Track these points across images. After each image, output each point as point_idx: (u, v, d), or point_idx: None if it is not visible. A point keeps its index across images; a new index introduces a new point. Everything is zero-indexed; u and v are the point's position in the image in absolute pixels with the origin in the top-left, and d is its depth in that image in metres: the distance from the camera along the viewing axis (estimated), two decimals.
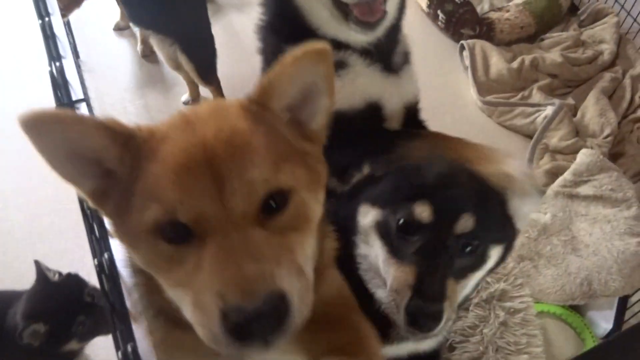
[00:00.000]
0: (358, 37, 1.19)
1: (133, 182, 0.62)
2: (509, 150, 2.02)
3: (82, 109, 1.12)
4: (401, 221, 0.85)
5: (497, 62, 2.34)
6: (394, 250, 0.86)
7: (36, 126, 0.58)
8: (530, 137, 2.12)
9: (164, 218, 0.59)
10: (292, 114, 0.70)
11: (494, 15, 2.52)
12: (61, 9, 1.58)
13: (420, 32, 2.66)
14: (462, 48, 2.45)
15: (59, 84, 1.15)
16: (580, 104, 2.23)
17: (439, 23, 2.60)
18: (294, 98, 0.69)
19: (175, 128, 0.64)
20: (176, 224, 0.59)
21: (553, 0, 2.56)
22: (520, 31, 2.52)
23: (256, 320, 0.53)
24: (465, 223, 0.83)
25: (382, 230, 0.88)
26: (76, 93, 1.14)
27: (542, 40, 2.54)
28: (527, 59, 2.33)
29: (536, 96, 2.24)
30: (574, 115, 2.19)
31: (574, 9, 2.67)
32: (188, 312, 0.60)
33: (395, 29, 1.27)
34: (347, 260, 0.92)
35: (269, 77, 0.67)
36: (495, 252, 0.90)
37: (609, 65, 2.38)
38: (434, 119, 1.48)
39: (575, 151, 1.98)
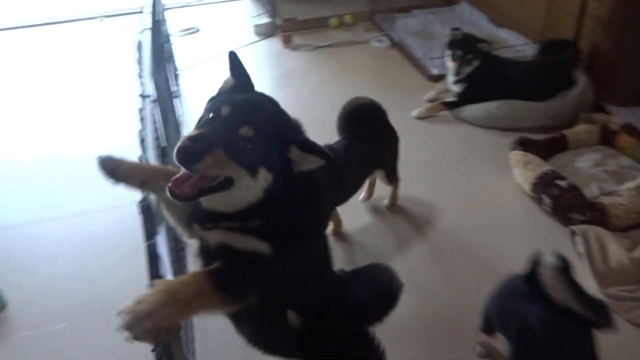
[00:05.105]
0: None
1: None
2: None
3: None
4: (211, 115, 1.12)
5: (617, 250, 2.16)
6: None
7: None
8: None
9: None
10: None
11: (605, 200, 2.40)
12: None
13: (524, 216, 2.58)
14: (573, 233, 2.31)
15: None
16: None
17: (545, 207, 2.51)
18: None
19: None
20: None
21: None
22: (637, 216, 2.36)
23: None
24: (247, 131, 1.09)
25: None
26: None
27: None
28: None
29: None
30: None
31: None
32: None
33: None
34: None
35: None
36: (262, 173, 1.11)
37: None
38: None
39: None
